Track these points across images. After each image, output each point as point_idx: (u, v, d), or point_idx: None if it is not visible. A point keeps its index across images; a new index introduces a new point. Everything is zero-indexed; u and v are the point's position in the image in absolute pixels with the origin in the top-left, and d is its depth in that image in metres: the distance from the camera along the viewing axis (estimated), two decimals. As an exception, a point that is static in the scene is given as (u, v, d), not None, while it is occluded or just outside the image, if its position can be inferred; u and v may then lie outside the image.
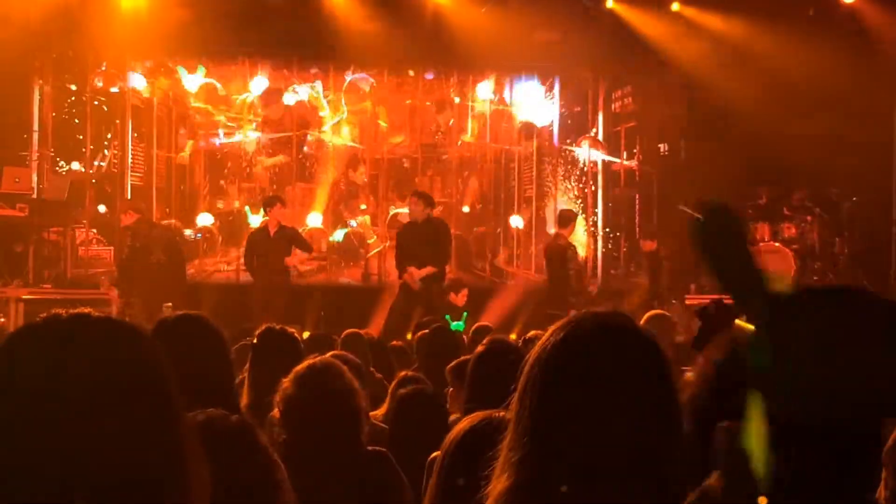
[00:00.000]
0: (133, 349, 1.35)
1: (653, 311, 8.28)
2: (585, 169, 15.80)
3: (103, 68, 14.75)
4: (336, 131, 16.05)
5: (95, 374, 1.29)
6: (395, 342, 8.65)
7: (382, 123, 16.28)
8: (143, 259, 11.15)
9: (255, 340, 4.47)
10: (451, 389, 4.79)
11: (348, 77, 16.07)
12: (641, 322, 7.68)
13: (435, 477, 2.68)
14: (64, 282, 12.38)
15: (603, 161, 15.87)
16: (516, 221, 15.74)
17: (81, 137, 14.64)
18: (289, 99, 15.98)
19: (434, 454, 2.89)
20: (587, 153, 15.77)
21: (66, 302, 10.78)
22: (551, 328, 1.71)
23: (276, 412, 3.51)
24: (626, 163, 15.90)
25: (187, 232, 15.11)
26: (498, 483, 1.67)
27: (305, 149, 15.97)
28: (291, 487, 2.63)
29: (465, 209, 16.16)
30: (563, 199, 15.72)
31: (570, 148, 15.92)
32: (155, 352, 1.38)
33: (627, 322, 1.73)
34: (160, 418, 1.33)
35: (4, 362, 1.30)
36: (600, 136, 16.10)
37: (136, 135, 14.98)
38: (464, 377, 4.19)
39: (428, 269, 11.46)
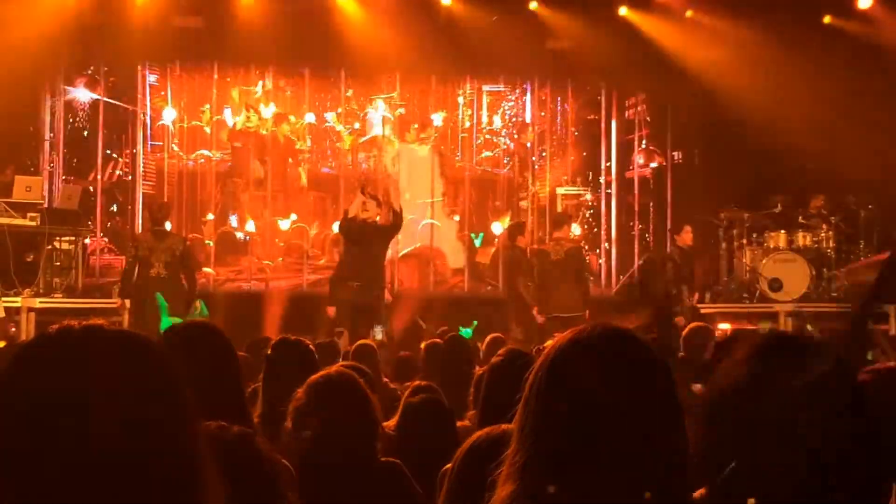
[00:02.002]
0: (146, 361, 1.35)
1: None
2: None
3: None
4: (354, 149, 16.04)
5: (108, 386, 1.28)
6: (403, 353, 8.61)
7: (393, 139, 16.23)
8: (142, 271, 11.06)
9: (269, 351, 4.45)
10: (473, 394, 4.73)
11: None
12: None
13: (446, 488, 2.64)
14: (75, 291, 12.36)
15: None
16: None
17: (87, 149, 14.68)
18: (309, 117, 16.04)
19: (446, 466, 2.86)
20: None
21: (77, 311, 10.77)
22: (558, 337, 1.77)
23: (289, 422, 3.47)
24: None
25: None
26: (502, 489, 1.69)
27: (326, 169, 15.96)
28: (300, 498, 2.58)
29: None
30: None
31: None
32: (168, 364, 1.37)
33: (629, 332, 1.76)
34: (174, 431, 1.32)
35: (17, 374, 1.29)
36: (613, 145, 16.06)
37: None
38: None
39: None
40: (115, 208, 15.21)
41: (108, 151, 14.94)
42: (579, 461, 1.62)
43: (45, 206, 12.59)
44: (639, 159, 16.05)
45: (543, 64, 14.79)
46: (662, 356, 1.75)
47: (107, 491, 1.24)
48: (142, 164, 14.90)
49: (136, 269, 11.18)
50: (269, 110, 15.82)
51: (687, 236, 12.78)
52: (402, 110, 16.27)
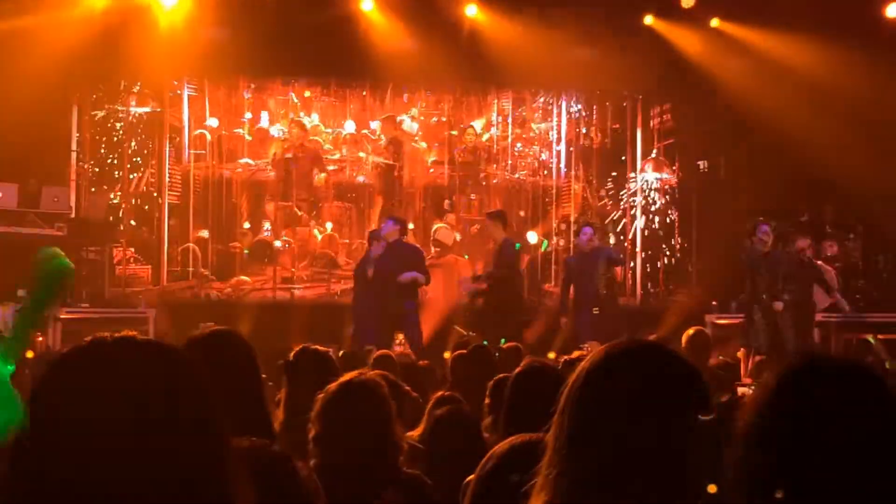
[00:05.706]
0: (178, 373, 1.37)
1: (692, 329, 8.17)
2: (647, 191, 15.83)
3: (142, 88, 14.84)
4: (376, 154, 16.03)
5: (141, 398, 1.30)
6: (422, 362, 8.59)
7: (422, 144, 16.19)
8: None
9: (290, 359, 4.45)
10: (488, 402, 4.71)
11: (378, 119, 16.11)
12: (683, 338, 7.61)
13: (469, 497, 2.64)
14: (101, 301, 12.42)
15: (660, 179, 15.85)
16: (532, 237, 15.63)
17: (113, 159, 14.72)
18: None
19: (469, 478, 2.85)
20: (651, 176, 15.78)
21: (103, 321, 10.83)
22: (594, 351, 1.76)
23: (311, 430, 3.47)
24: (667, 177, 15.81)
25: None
26: (535, 500, 1.70)
27: (362, 178, 15.95)
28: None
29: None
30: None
31: (632, 175, 15.89)
32: (198, 373, 1.39)
33: (663, 345, 1.77)
34: (205, 443, 1.35)
35: (52, 384, 1.32)
36: (638, 153, 16.01)
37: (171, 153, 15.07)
38: (502, 396, 4.12)
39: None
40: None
41: (138, 159, 14.97)
42: (613, 474, 1.63)
43: (73, 216, 12.68)
44: (648, 168, 16.02)
45: (569, 73, 14.75)
46: (697, 366, 1.75)
47: (140, 494, 1.26)
48: (167, 175, 14.90)
49: None
50: (309, 120, 15.84)
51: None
52: (434, 118, 16.30)
